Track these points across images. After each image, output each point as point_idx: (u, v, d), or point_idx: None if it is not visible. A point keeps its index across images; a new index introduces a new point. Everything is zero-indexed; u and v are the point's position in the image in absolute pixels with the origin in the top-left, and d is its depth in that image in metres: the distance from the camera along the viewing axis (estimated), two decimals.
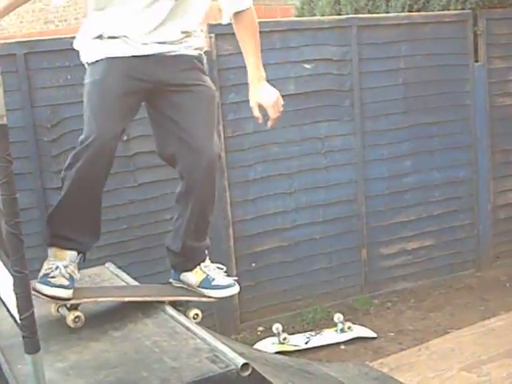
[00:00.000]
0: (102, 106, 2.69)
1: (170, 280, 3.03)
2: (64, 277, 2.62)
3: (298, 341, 5.12)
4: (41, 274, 2.64)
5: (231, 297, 3.05)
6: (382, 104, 5.71)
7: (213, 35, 5.01)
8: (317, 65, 5.45)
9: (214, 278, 2.95)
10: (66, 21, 11.33)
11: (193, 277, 2.95)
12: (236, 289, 2.97)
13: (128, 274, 3.04)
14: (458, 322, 5.42)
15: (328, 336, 5.18)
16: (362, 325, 5.37)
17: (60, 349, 2.33)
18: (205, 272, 2.96)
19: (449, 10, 6.09)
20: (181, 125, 2.80)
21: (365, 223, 5.74)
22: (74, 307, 2.59)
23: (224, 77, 5.07)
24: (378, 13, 6.24)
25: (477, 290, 6.07)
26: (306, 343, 5.09)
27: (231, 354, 2.21)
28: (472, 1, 6.03)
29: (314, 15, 6.89)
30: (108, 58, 2.72)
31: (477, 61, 6.14)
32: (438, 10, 6.10)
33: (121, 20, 2.73)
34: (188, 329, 2.45)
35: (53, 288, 2.58)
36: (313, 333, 5.21)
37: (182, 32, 2.80)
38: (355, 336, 5.18)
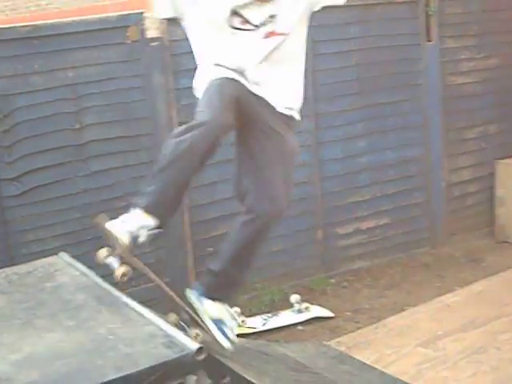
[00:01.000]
0: (219, 98, 2.78)
1: (188, 289, 3.03)
2: (137, 231, 2.63)
3: (256, 323, 5.15)
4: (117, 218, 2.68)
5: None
6: (335, 86, 5.75)
7: (164, 21, 4.99)
8: None
9: (228, 325, 2.95)
10: (15, 10, 11.16)
11: (212, 307, 2.95)
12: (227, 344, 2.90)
13: (83, 263, 3.04)
14: (414, 299, 5.50)
15: (285, 317, 5.22)
16: (319, 305, 5.42)
17: (14, 340, 2.32)
18: (226, 312, 2.97)
19: None
20: (264, 170, 2.96)
21: (320, 204, 5.79)
22: (125, 261, 2.60)
23: (177, 62, 5.06)
24: None
25: (432, 267, 6.16)
26: (264, 325, 5.12)
27: (186, 339, 2.23)
28: None
29: None
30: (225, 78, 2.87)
31: (429, 40, 6.19)
32: None
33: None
34: (142, 315, 2.46)
35: (123, 231, 2.60)
36: (270, 314, 5.24)
37: None
38: (312, 316, 5.23)
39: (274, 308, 5.39)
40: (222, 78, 2.86)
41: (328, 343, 4.80)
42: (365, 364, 4.47)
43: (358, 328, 5.10)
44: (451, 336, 4.85)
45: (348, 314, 5.35)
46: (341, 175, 5.88)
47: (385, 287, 5.78)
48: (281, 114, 3.05)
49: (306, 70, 5.39)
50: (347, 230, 5.98)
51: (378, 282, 5.88)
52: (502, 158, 6.65)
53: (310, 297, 5.55)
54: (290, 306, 5.27)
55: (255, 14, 2.93)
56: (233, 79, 2.88)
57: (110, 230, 2.61)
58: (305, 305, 5.25)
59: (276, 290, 5.55)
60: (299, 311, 5.22)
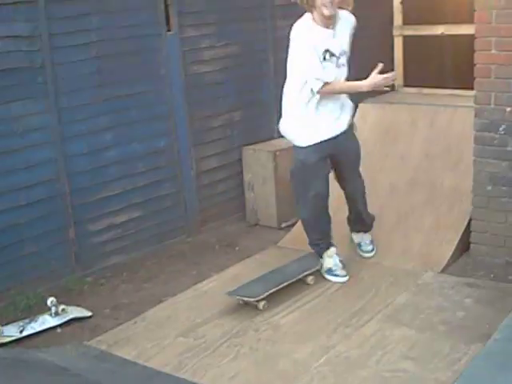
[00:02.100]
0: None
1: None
2: None
3: (12, 331, 4.90)
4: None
5: None
6: (76, 79, 5.58)
7: None
8: (4, 42, 5.17)
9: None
10: None
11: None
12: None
13: None
14: (172, 290, 5.50)
15: (43, 321, 5.02)
16: (78, 305, 5.27)
17: None
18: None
19: None
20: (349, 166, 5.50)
21: (69, 202, 5.61)
22: None
23: None
24: None
25: (188, 255, 6.21)
26: (21, 332, 4.89)
27: None
28: None
29: None
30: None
31: (169, 30, 6.20)
32: None
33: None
34: None
35: None
36: (27, 320, 5.02)
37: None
38: (71, 317, 5.07)
39: (31, 313, 5.15)
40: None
41: (89, 343, 4.72)
42: (126, 360, 4.44)
43: (118, 324, 5.01)
44: (210, 322, 4.93)
45: (107, 311, 5.25)
46: (88, 170, 5.73)
47: (142, 280, 5.73)
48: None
49: (44, 66, 5.28)
50: (100, 226, 5.85)
51: (136, 276, 5.82)
52: (248, 144, 6.84)
53: (67, 298, 5.37)
54: (48, 309, 5.08)
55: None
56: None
57: None
58: (62, 307, 5.08)
59: (32, 295, 5.31)
60: (56, 314, 5.04)
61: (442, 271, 5.48)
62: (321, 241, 5.53)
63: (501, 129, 5.38)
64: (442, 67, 7.99)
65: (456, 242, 5.66)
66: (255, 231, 6.71)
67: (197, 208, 6.60)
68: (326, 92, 5.09)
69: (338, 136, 5.29)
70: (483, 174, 5.54)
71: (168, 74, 6.21)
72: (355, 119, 5.76)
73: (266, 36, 6.98)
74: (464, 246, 5.71)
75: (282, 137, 5.74)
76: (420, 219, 5.92)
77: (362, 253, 5.81)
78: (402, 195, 6.13)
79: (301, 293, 5.27)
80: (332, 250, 5.52)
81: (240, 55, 6.78)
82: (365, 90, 5.10)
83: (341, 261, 5.51)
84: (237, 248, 6.30)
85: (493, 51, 5.32)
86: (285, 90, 5.35)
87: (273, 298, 5.14)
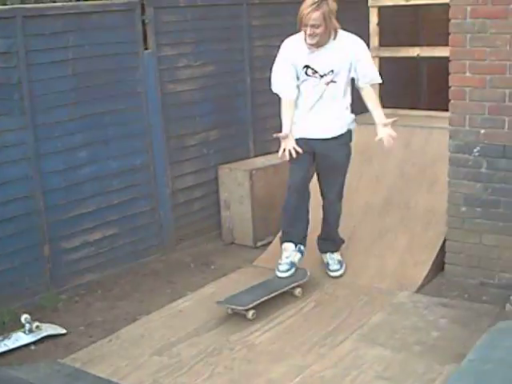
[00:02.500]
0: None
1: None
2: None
3: None
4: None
5: None
6: (52, 96, 5.57)
7: None
8: None
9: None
10: None
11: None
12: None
13: None
14: (146, 308, 5.48)
15: (16, 338, 4.97)
16: (51, 322, 5.23)
17: None
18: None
19: None
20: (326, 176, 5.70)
21: (44, 219, 5.57)
22: None
23: None
24: (44, 3, 6.06)
25: (163, 273, 6.18)
26: None
27: None
28: None
29: None
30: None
31: (146, 49, 6.21)
32: (106, 0, 6.07)
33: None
34: None
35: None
36: (0, 337, 4.98)
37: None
38: (44, 335, 5.03)
39: (4, 330, 5.10)
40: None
41: (63, 361, 4.69)
42: (100, 378, 4.41)
43: (93, 342, 4.98)
44: (185, 341, 4.91)
45: (81, 328, 5.21)
46: (63, 187, 5.70)
47: (117, 298, 5.70)
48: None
49: (20, 82, 5.25)
50: (74, 243, 5.82)
51: (110, 294, 5.78)
52: (224, 163, 6.85)
53: (41, 315, 5.33)
54: (22, 326, 5.04)
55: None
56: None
57: None
58: (36, 324, 5.04)
59: (5, 312, 5.25)
60: (30, 331, 5.00)
61: (417, 291, 5.50)
62: (287, 230, 5.71)
63: (475, 150, 5.45)
64: (418, 89, 8.08)
65: (431, 262, 5.70)
66: (231, 250, 6.71)
67: (172, 226, 6.60)
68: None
69: (324, 140, 5.48)
70: (458, 195, 5.59)
71: (145, 92, 6.22)
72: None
73: (242, 56, 7.02)
74: (438, 266, 5.75)
75: (259, 156, 5.78)
76: (395, 239, 5.96)
77: (329, 272, 5.84)
78: (376, 215, 6.16)
79: (276, 312, 5.27)
80: (288, 245, 5.64)
81: (217, 75, 6.80)
82: (281, 138, 5.47)
83: (292, 262, 5.60)
84: (212, 267, 6.29)
85: (467, 74, 5.40)
86: None
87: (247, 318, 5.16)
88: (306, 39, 5.28)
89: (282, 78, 5.48)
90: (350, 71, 5.41)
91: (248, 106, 7.09)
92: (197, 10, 6.57)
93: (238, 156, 7.02)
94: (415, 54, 7.07)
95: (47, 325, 5.15)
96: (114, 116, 6.00)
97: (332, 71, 5.37)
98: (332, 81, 5.38)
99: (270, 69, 7.02)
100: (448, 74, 5.50)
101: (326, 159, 5.55)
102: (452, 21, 5.40)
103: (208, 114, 6.78)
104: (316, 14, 5.12)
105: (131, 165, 6.17)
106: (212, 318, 5.21)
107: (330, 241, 5.85)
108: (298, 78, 5.43)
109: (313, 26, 5.15)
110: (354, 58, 5.38)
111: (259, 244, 6.68)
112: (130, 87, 6.13)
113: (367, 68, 5.46)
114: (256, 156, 7.16)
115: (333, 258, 5.86)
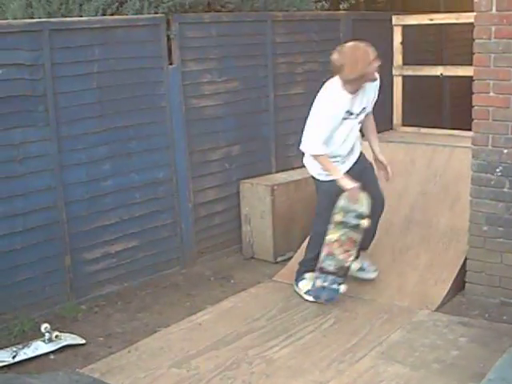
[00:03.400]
0: None
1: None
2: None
3: (5, 356, 4.88)
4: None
5: None
6: (77, 108, 5.62)
7: None
8: (8, 70, 5.22)
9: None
10: None
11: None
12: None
13: None
14: (165, 320, 5.49)
15: (36, 347, 5.00)
16: (71, 332, 5.25)
17: None
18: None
19: (142, 14, 6.14)
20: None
21: (66, 229, 5.62)
22: None
23: None
24: (71, 16, 6.14)
25: (183, 286, 6.20)
26: (14, 357, 4.87)
27: None
28: (165, 6, 6.14)
29: (6, 19, 6.61)
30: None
31: (171, 64, 6.26)
32: (132, 14, 6.13)
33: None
34: None
35: None
36: (20, 346, 5.01)
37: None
38: (64, 344, 5.06)
39: (24, 339, 5.14)
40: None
41: (81, 371, 4.70)
42: None
43: (111, 353, 4.99)
44: (204, 354, 4.91)
45: (100, 339, 5.23)
46: (86, 199, 5.75)
47: (136, 310, 5.72)
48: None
49: (45, 94, 5.31)
50: (95, 254, 5.86)
51: (130, 305, 5.81)
52: (246, 178, 6.87)
53: (61, 325, 5.36)
54: (41, 335, 5.07)
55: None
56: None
57: None
58: (55, 333, 5.07)
59: (26, 320, 5.30)
60: (50, 340, 5.03)
61: (437, 309, 5.47)
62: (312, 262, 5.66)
63: (498, 170, 5.43)
64: (441, 108, 8.08)
65: (451, 281, 5.67)
66: (251, 264, 6.72)
67: (193, 239, 6.62)
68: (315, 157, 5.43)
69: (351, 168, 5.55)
70: (480, 214, 5.57)
71: (169, 106, 6.26)
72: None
73: (266, 72, 7.05)
74: (459, 285, 5.72)
75: (280, 171, 5.77)
76: (416, 257, 5.94)
77: (364, 274, 5.87)
78: (398, 233, 6.15)
79: (295, 327, 5.26)
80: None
81: (240, 90, 6.84)
82: (341, 185, 5.31)
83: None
84: (232, 281, 6.30)
85: (491, 94, 5.39)
86: None
87: (267, 332, 5.16)
88: (348, 87, 5.22)
89: (326, 134, 5.29)
90: None
91: (271, 122, 7.12)
92: (221, 26, 6.62)
93: (259, 171, 7.04)
94: (438, 73, 7.07)
95: (67, 334, 5.18)
96: (138, 129, 6.05)
97: (364, 109, 5.43)
98: (361, 118, 5.47)
99: (293, 85, 7.13)
100: (471, 93, 5.50)
101: (366, 172, 5.62)
102: (476, 41, 5.40)
103: (231, 130, 6.81)
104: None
105: (154, 178, 6.21)
106: (231, 331, 5.21)
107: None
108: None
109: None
110: (376, 92, 5.47)
111: (279, 259, 6.68)
112: (154, 101, 6.18)
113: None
114: (278, 172, 7.18)
115: (366, 259, 5.89)
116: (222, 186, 6.80)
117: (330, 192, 5.44)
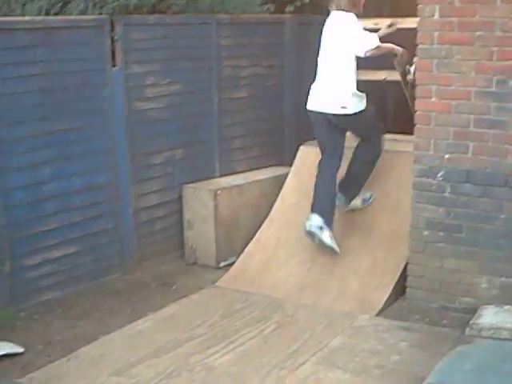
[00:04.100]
0: None
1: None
2: None
3: None
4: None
5: None
6: (17, 111, 5.52)
7: None
8: None
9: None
10: None
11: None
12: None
13: None
14: (106, 328, 5.41)
15: None
16: (9, 340, 5.13)
17: None
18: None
19: (86, 14, 6.05)
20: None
21: (6, 235, 5.51)
22: None
23: None
24: (13, 16, 6.00)
25: (124, 293, 6.12)
26: None
27: None
28: (109, 7, 6.06)
29: None
30: None
31: (114, 66, 6.19)
32: (76, 15, 6.04)
33: None
34: None
35: None
36: None
37: None
38: (2, 353, 4.95)
39: None
40: None
41: (20, 380, 4.61)
42: None
43: (51, 361, 4.90)
44: (144, 362, 4.86)
45: (40, 347, 5.13)
46: (26, 204, 5.64)
47: (76, 317, 5.63)
48: None
49: None
50: (35, 260, 5.75)
51: (70, 313, 5.71)
52: (189, 183, 6.83)
53: None
54: None
55: None
56: None
57: None
58: None
59: None
60: None
61: (378, 314, 5.52)
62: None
63: (439, 175, 5.49)
64: (384, 112, 8.12)
65: (392, 286, 5.72)
66: (193, 270, 6.67)
67: (134, 245, 6.54)
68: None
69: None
70: (420, 219, 5.62)
71: (111, 109, 6.18)
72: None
73: (210, 75, 7.01)
74: (400, 289, 5.77)
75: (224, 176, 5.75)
76: (357, 262, 5.97)
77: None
78: (339, 237, 6.17)
79: (236, 333, 5.24)
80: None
81: (184, 93, 6.79)
82: (397, 51, 6.06)
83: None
84: (174, 287, 6.24)
85: (433, 99, 5.45)
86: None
87: (208, 339, 5.13)
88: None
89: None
90: None
91: (215, 126, 7.09)
92: (166, 28, 6.57)
93: (203, 176, 7.00)
94: (382, 78, 7.11)
95: (4, 343, 5.07)
96: (80, 133, 5.96)
97: None
98: None
99: (237, 88, 7.14)
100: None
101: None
102: (419, 46, 5.46)
103: (174, 133, 6.76)
104: None
105: (95, 182, 6.13)
106: (172, 339, 5.17)
107: (347, 181, 6.28)
108: None
109: None
110: None
111: (222, 264, 6.65)
112: (96, 104, 6.10)
113: None
114: (222, 176, 7.16)
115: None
116: (165, 190, 6.75)
117: (372, 110, 6.08)
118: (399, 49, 6.02)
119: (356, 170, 6.19)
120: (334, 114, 5.92)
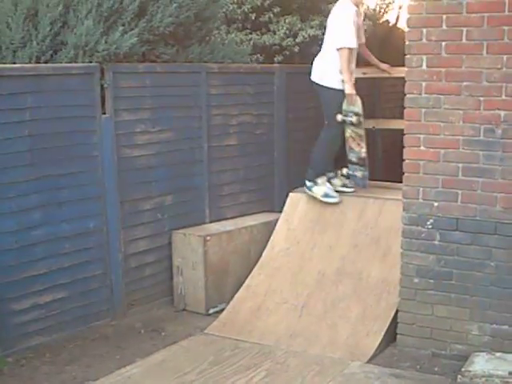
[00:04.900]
0: None
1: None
2: None
3: None
4: None
5: None
6: (7, 156, 5.51)
7: None
8: None
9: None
10: None
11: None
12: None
13: None
14: (94, 373, 5.35)
15: None
16: None
17: None
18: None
19: (76, 62, 6.10)
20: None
21: None
22: None
23: None
24: (4, 63, 6.05)
25: (112, 339, 6.07)
26: None
27: None
28: (99, 55, 6.11)
29: None
30: None
31: (104, 113, 6.23)
32: (66, 62, 6.08)
33: None
34: None
35: None
36: None
37: None
38: None
39: None
40: None
41: None
42: None
43: None
44: None
45: None
46: (15, 248, 5.61)
47: (65, 362, 5.57)
48: None
49: None
50: (24, 305, 5.70)
51: (58, 358, 5.64)
52: (178, 228, 6.82)
53: None
54: None
55: None
56: None
57: None
58: None
59: None
60: None
61: (369, 361, 5.49)
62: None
63: (428, 223, 5.52)
64: (373, 160, 8.19)
65: (383, 333, 5.70)
66: (182, 316, 6.63)
67: (123, 291, 6.50)
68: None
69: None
70: (411, 266, 5.63)
71: (101, 155, 6.20)
72: None
73: (200, 123, 7.06)
74: (391, 336, 5.75)
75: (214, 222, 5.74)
76: (347, 309, 5.96)
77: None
78: (329, 284, 6.17)
79: (226, 381, 5.17)
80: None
81: (174, 141, 6.82)
82: (346, 88, 6.65)
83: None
84: (163, 333, 6.19)
85: (422, 147, 5.50)
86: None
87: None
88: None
89: (353, 28, 6.73)
90: None
91: (204, 173, 7.11)
92: (156, 76, 6.63)
93: (192, 222, 7.00)
94: (370, 127, 7.19)
95: None
96: (69, 178, 5.96)
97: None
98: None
99: (227, 136, 7.23)
100: (403, 146, 5.60)
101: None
102: (407, 95, 5.53)
103: (164, 180, 6.77)
104: None
105: (84, 228, 6.11)
106: None
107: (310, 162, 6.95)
108: None
109: None
110: None
111: (211, 311, 6.62)
112: (86, 150, 6.11)
113: None
114: (211, 222, 7.16)
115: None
116: (154, 236, 6.73)
117: (338, 100, 6.65)
118: (353, 91, 6.65)
119: (315, 148, 6.92)
120: (314, 82, 6.86)
